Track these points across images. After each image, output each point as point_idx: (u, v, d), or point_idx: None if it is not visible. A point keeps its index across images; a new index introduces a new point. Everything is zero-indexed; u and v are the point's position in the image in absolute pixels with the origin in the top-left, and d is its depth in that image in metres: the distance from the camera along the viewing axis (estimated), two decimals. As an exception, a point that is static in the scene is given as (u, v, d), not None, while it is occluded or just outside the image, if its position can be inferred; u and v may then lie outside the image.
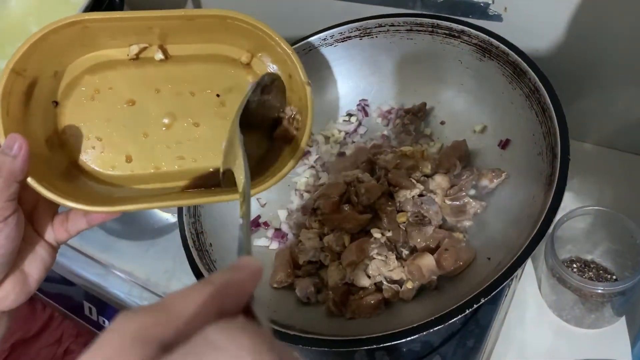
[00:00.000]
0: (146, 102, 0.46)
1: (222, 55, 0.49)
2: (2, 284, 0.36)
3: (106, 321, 0.76)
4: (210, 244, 0.56)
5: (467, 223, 0.55)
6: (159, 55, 0.46)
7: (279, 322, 0.48)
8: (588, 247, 0.59)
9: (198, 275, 0.51)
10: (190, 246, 0.53)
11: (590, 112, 0.66)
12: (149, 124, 0.46)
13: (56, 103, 0.43)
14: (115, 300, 0.74)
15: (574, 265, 0.59)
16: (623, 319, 0.57)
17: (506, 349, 0.58)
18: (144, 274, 0.73)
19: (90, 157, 0.44)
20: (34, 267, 0.38)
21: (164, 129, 0.46)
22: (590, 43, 0.60)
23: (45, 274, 0.39)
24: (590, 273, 0.59)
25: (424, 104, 0.64)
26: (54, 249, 0.40)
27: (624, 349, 0.55)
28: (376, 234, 0.55)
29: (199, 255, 0.53)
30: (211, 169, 0.47)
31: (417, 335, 0.41)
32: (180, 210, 0.56)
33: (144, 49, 0.46)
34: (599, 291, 0.50)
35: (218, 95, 0.48)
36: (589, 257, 0.60)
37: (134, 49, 0.45)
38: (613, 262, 0.58)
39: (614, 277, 0.58)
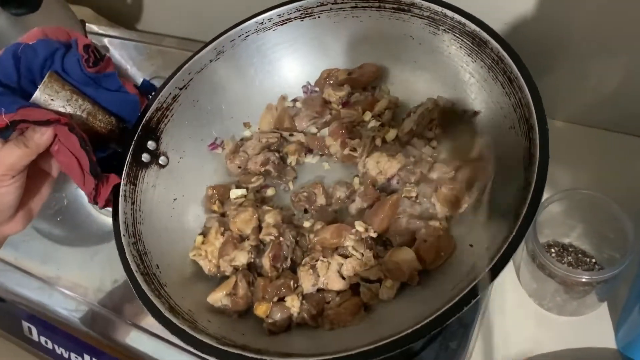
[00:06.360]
0: None
1: None
2: (15, 216, 0.45)
3: (48, 341, 0.65)
4: (157, 265, 0.48)
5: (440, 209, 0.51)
6: None
7: (250, 346, 0.41)
8: (565, 229, 0.57)
9: (148, 305, 0.43)
10: (134, 271, 0.45)
11: (559, 87, 0.62)
12: None
13: None
14: (58, 319, 0.65)
15: (552, 250, 0.57)
16: (605, 304, 0.55)
17: (488, 342, 0.54)
18: (90, 285, 0.66)
19: None
20: (35, 202, 0.47)
21: None
22: (556, 8, 0.57)
23: (41, 205, 0.48)
24: (569, 257, 0.57)
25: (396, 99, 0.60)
26: (53, 180, 0.48)
27: (607, 334, 0.53)
28: (359, 227, 0.49)
29: (145, 280, 0.45)
30: None
31: (408, 345, 0.36)
32: (116, 230, 0.48)
33: None
34: (584, 280, 0.48)
35: None
36: (566, 241, 0.58)
37: None
38: (591, 244, 0.57)
39: (593, 260, 0.56)
